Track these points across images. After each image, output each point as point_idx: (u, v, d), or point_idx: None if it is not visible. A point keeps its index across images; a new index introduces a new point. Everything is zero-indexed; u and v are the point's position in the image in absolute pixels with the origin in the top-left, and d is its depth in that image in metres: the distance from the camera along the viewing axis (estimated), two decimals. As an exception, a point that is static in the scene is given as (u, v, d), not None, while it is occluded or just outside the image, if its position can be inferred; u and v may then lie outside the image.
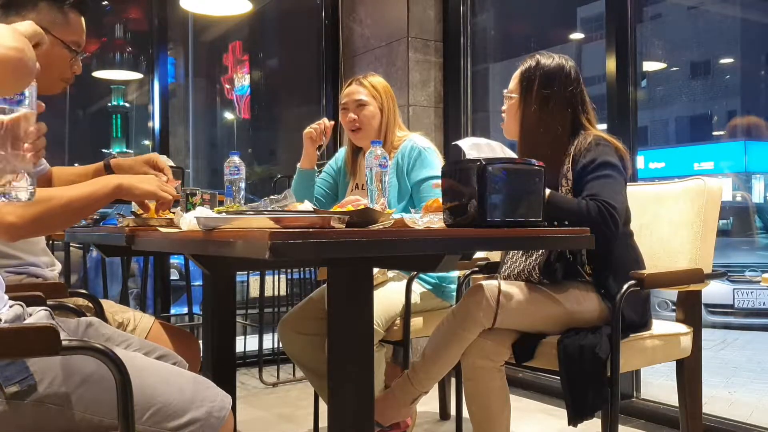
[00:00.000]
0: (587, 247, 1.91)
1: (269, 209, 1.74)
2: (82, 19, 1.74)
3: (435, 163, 2.36)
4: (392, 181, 2.39)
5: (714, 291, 6.00)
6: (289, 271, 3.89)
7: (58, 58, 1.66)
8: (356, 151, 2.56)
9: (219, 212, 1.66)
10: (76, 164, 1.99)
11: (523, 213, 1.42)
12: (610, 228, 1.81)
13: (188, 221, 1.46)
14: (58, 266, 1.88)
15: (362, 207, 1.47)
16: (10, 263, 1.76)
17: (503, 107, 2.11)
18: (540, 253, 1.94)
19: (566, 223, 1.79)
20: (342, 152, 2.64)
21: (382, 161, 1.79)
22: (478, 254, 2.39)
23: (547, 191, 1.81)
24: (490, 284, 1.87)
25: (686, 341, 2.06)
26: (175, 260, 4.53)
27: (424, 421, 2.94)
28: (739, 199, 12.69)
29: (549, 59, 2.04)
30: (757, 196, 13.90)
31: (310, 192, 2.53)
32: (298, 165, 2.53)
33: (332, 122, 2.50)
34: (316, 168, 2.55)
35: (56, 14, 1.67)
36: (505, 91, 2.10)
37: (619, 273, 1.90)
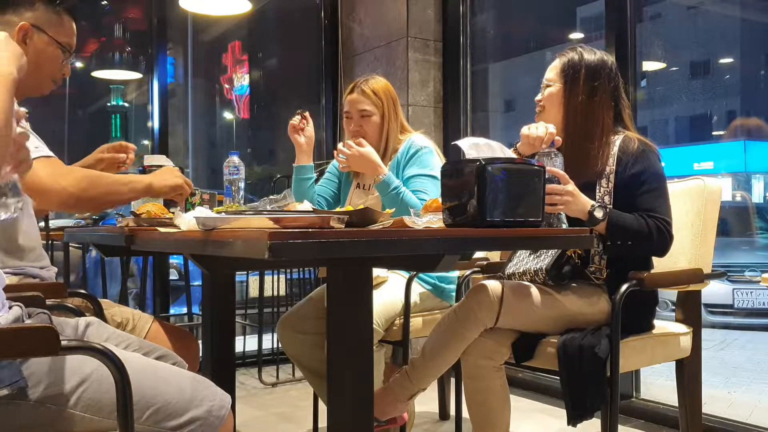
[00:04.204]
0: (587, 247, 1.92)
1: (268, 209, 1.74)
2: (74, 23, 1.81)
3: (429, 162, 2.36)
4: None
5: (714, 291, 6.01)
6: (288, 271, 3.89)
7: (51, 57, 1.74)
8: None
9: (218, 212, 1.65)
10: (75, 165, 2.02)
11: (522, 213, 1.42)
12: (667, 246, 1.90)
13: (187, 221, 1.46)
14: (53, 267, 1.89)
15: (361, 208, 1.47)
16: (4, 267, 1.76)
17: (538, 97, 2.07)
18: (549, 254, 1.94)
19: (629, 243, 1.84)
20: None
21: None
22: (478, 254, 2.39)
23: (600, 212, 1.82)
24: (493, 283, 1.87)
25: (686, 341, 2.06)
26: (175, 260, 4.52)
27: (423, 421, 2.94)
28: (738, 199, 12.69)
29: (591, 53, 2.03)
30: (757, 196, 13.89)
31: (308, 186, 2.54)
32: (294, 164, 2.56)
33: (306, 112, 2.54)
34: (312, 163, 2.56)
35: (52, 15, 1.74)
36: (544, 79, 2.06)
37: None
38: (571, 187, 1.81)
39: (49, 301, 1.49)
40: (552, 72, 2.05)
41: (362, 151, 2.28)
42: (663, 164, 1.98)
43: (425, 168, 2.34)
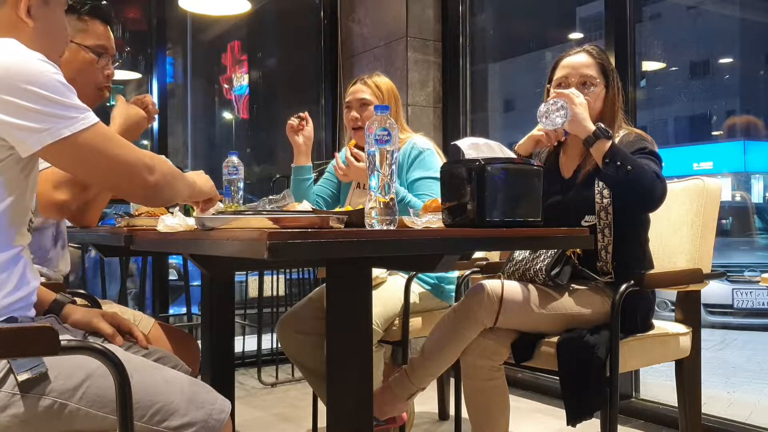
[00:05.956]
0: (587, 247, 1.91)
1: (267, 209, 1.73)
2: (108, 28, 1.90)
3: (433, 164, 2.36)
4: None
5: (713, 291, 6.00)
6: (287, 271, 3.89)
7: (82, 61, 1.84)
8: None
9: (217, 212, 1.65)
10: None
11: (522, 213, 1.42)
12: (663, 193, 1.82)
13: (167, 224, 1.47)
14: (63, 269, 1.89)
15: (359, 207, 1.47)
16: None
17: (572, 91, 1.95)
18: (548, 254, 1.93)
19: (629, 168, 1.78)
20: (344, 153, 2.64)
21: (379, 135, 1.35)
22: (478, 254, 2.39)
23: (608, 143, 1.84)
24: (492, 283, 1.87)
25: (685, 341, 2.06)
26: (174, 260, 4.52)
27: (422, 421, 2.94)
28: (738, 199, 12.69)
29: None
30: (757, 196, 13.88)
31: (307, 187, 2.53)
32: (292, 165, 2.56)
33: (305, 113, 2.56)
34: (311, 163, 2.56)
35: (76, 23, 1.82)
36: (576, 74, 2.02)
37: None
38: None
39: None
40: (588, 69, 2.02)
41: (363, 165, 2.25)
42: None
43: (429, 170, 2.33)
